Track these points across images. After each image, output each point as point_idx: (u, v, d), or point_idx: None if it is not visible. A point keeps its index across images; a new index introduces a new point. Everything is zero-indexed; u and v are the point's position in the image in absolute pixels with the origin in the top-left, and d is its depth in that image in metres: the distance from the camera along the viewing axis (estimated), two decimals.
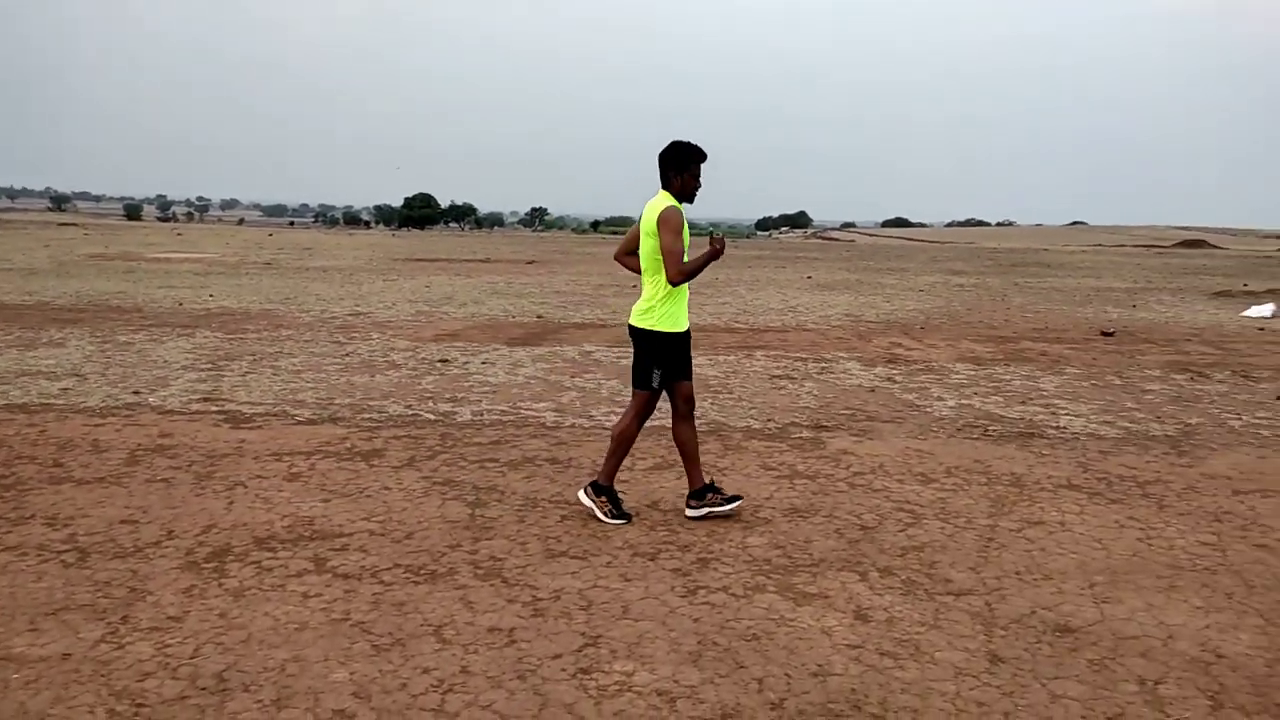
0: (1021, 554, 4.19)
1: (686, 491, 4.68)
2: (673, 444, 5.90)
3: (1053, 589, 3.83)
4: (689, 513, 4.57)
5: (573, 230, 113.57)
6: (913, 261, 31.50)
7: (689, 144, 4.44)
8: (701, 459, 5.52)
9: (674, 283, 4.39)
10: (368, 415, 6.57)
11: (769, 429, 6.48)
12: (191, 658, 3.09)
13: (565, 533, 4.34)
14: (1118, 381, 8.66)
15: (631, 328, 4.58)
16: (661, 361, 4.48)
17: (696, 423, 6.26)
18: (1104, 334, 12.15)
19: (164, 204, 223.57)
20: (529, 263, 25.79)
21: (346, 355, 9.15)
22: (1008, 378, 8.75)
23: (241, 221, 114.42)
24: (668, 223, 4.30)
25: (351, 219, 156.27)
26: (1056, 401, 7.64)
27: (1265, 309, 14.95)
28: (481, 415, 6.70)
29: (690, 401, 4.63)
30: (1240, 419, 7.12)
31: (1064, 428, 6.70)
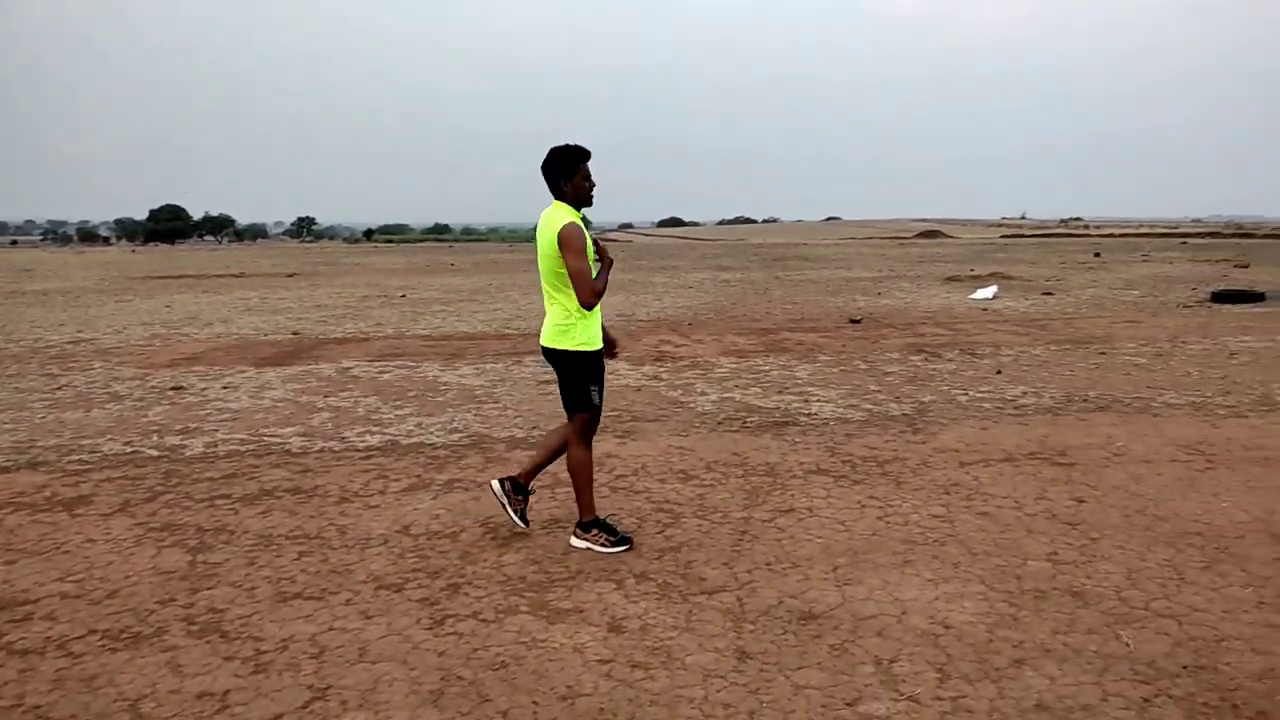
0: (772, 544, 4.26)
1: (440, 513, 4.43)
2: (430, 462, 5.64)
3: (799, 576, 3.90)
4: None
5: (344, 240, 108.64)
6: (684, 260, 32.49)
7: (568, 146, 4.08)
8: (459, 474, 5.29)
9: (588, 306, 4.05)
10: (76, 458, 5.81)
11: (533, 437, 6.32)
12: None
13: (302, 571, 3.97)
14: (863, 366, 9.20)
15: (550, 350, 4.20)
16: (596, 377, 4.19)
17: (458, 436, 6.01)
18: (852, 321, 12.94)
19: None
20: (289, 275, 24.33)
21: (58, 389, 8.12)
22: (767, 368, 9.08)
23: None
24: (569, 243, 3.94)
25: (87, 235, 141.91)
26: (809, 389, 7.99)
27: (988, 291, 16.51)
28: (216, 447, 6.10)
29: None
30: (966, 394, 7.73)
31: (815, 414, 6.99)
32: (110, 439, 6.28)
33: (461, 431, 6.47)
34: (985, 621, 3.46)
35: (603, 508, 4.77)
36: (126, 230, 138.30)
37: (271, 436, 6.36)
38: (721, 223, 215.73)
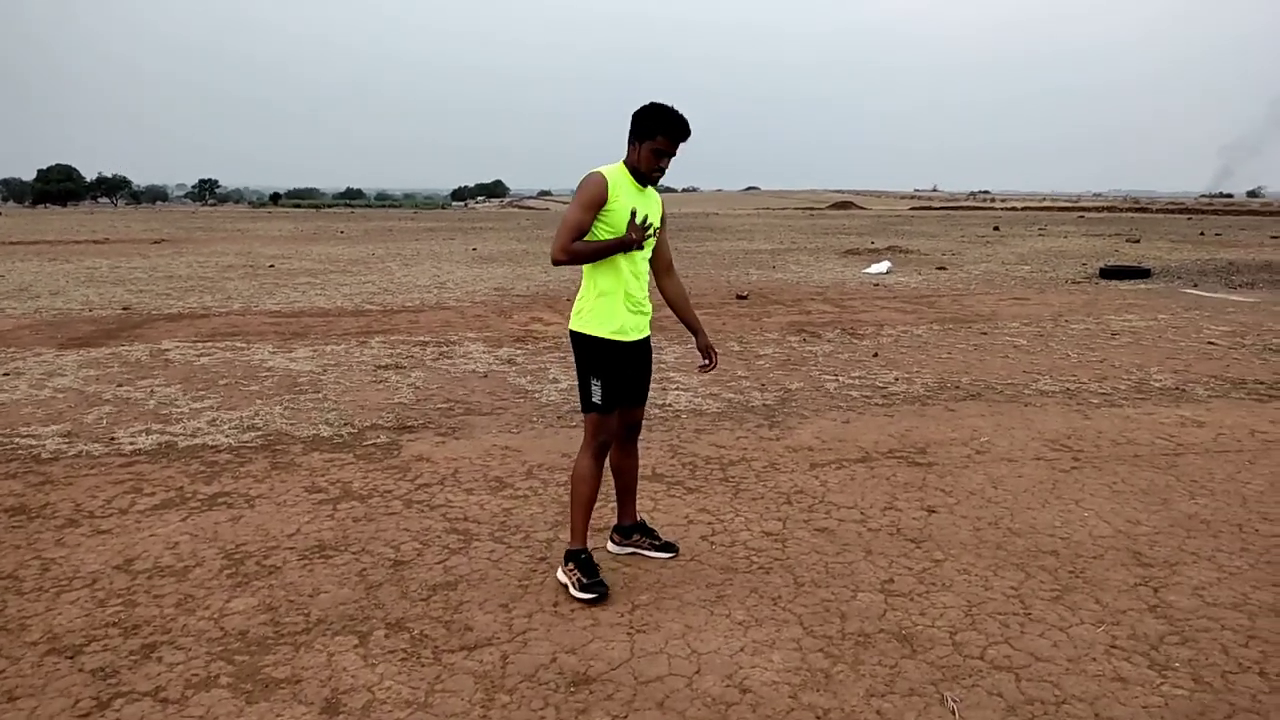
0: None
1: (182, 540, 3.63)
2: (202, 470, 4.81)
3: (587, 621, 3.25)
4: (611, 548, 3.83)
5: (249, 204, 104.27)
6: None
7: (662, 108, 3.34)
8: (231, 485, 4.51)
9: (554, 260, 3.36)
10: None
11: (341, 436, 5.54)
12: None
13: None
14: (737, 348, 8.62)
15: (570, 333, 3.56)
16: (599, 370, 3.46)
17: (251, 436, 5.22)
18: (739, 297, 12.40)
19: None
20: (156, 242, 22.70)
21: None
22: None
23: None
24: (581, 190, 3.34)
25: None
26: (672, 375, 7.36)
27: (882, 266, 16.19)
28: None
29: (634, 425, 3.76)
30: (837, 380, 7.20)
31: (669, 405, 6.36)
32: None
33: (259, 430, 5.64)
34: (791, 682, 2.86)
35: (381, 530, 4.05)
36: (14, 191, 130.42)
37: (26, 437, 5.42)
38: None
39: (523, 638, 3.13)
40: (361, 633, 3.15)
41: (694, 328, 3.78)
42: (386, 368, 7.56)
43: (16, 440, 5.36)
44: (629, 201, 3.40)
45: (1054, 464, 5.06)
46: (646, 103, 3.41)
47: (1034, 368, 7.67)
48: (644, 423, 5.56)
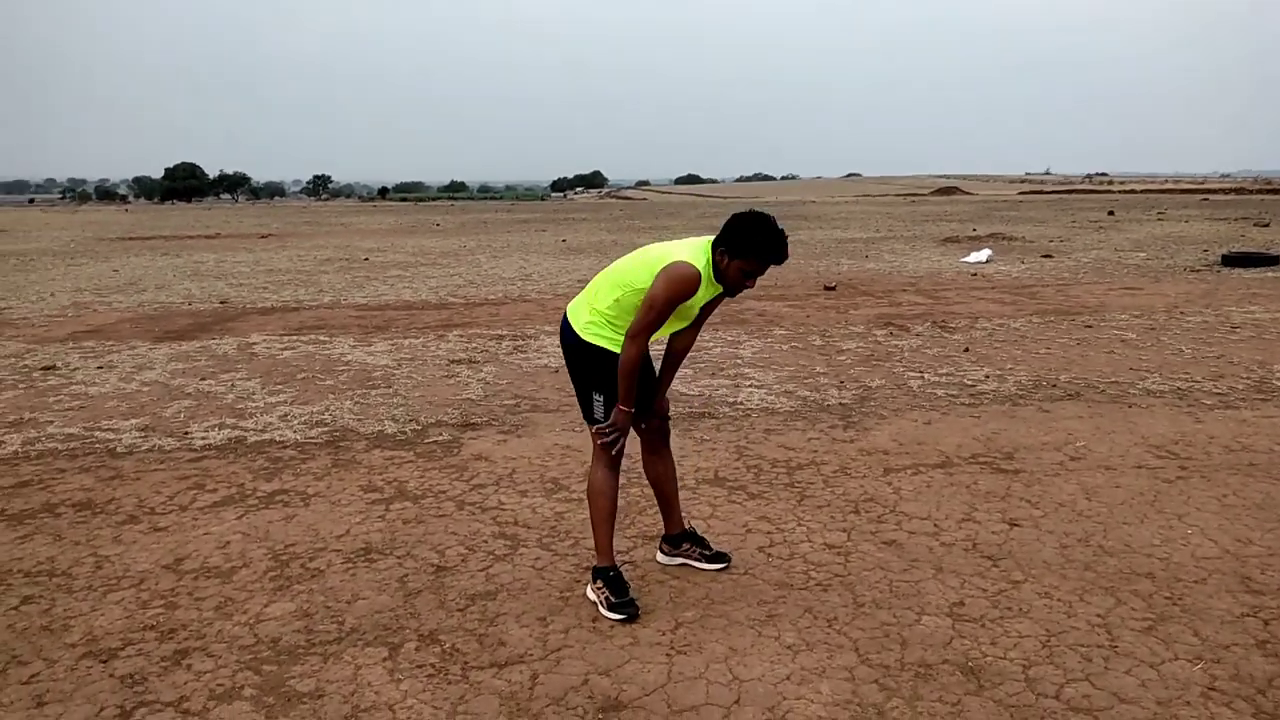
0: (636, 587, 3.42)
1: (233, 540, 3.62)
2: (266, 467, 4.82)
3: (626, 640, 3.07)
4: (660, 559, 3.65)
5: (359, 198, 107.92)
6: (681, 219, 31.46)
7: (766, 231, 3.02)
8: (291, 483, 4.51)
9: (625, 351, 3.11)
10: None
11: (404, 433, 5.50)
12: None
13: (8, 628, 3.16)
14: (819, 342, 8.30)
15: (567, 337, 3.32)
16: (603, 384, 3.23)
17: (319, 432, 5.23)
18: (826, 288, 12.01)
19: None
20: (263, 237, 23.50)
21: None
22: (711, 344, 8.20)
23: None
24: (674, 284, 3.02)
25: (106, 194, 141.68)
26: (747, 370, 7.11)
27: (981, 255, 15.48)
28: (35, 444, 5.31)
29: (660, 431, 3.54)
30: (921, 377, 6.83)
31: (740, 403, 6.12)
32: None
33: (326, 425, 5.65)
34: (838, 717, 2.62)
35: (430, 533, 3.95)
36: (145, 189, 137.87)
37: (106, 431, 5.56)
38: (740, 179, 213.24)
39: (556, 655, 2.97)
40: (393, 644, 3.05)
41: (664, 385, 3.53)
42: (459, 362, 7.53)
43: (96, 434, 5.50)
44: (703, 294, 3.18)
45: (1157, 473, 4.63)
46: (749, 213, 3.09)
47: (1142, 364, 7.12)
48: (714, 419, 5.36)
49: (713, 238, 3.16)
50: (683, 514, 3.73)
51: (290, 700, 2.72)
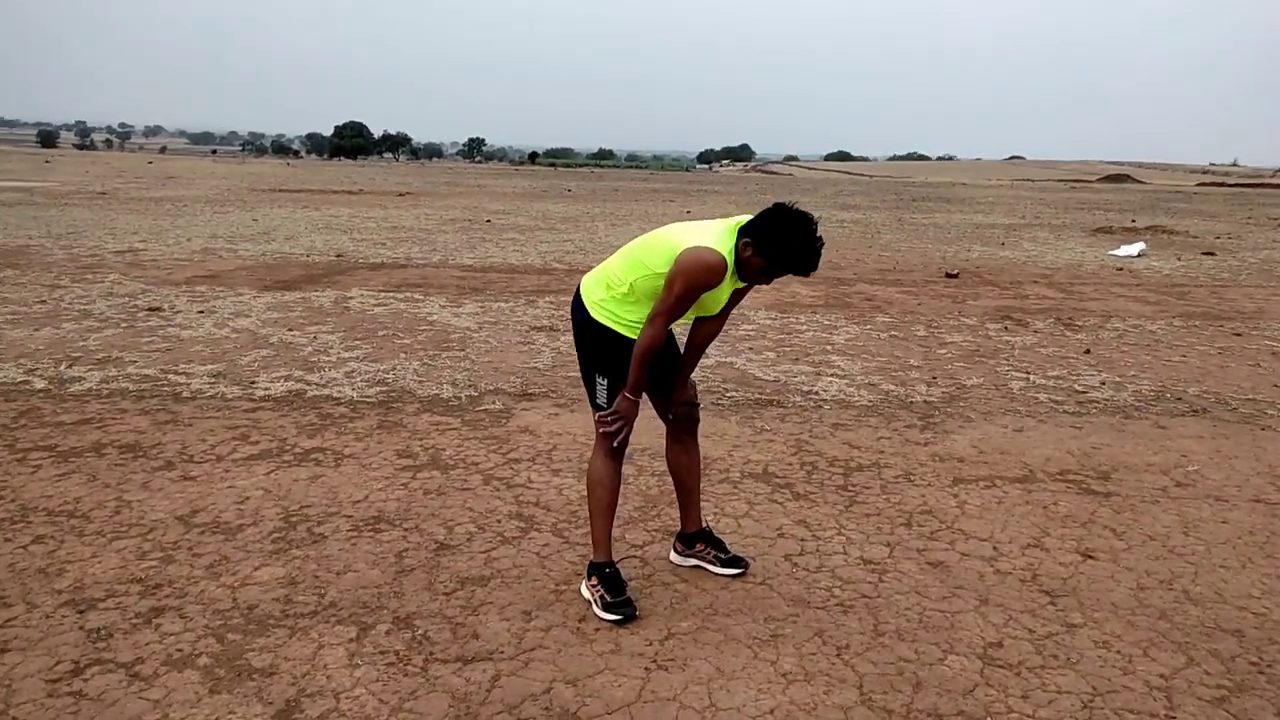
0: (638, 587, 3.16)
1: (253, 496, 3.56)
2: (313, 423, 4.79)
3: (606, 647, 2.82)
4: (674, 558, 3.37)
5: (510, 162, 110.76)
6: (816, 195, 30.54)
7: (804, 243, 2.72)
8: (331, 442, 4.46)
9: (642, 336, 2.86)
10: None
11: (459, 399, 5.38)
12: None
13: (8, 568, 3.19)
14: (922, 332, 7.74)
15: (576, 313, 3.06)
16: (609, 367, 2.99)
17: (376, 391, 5.20)
18: (948, 275, 11.28)
19: (83, 131, 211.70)
20: (400, 195, 24.17)
21: (41, 303, 7.78)
22: (803, 328, 7.77)
23: (163, 149, 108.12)
24: (695, 269, 2.73)
25: (281, 148, 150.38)
26: (834, 358, 6.67)
27: (1134, 248, 14.25)
28: (112, 381, 5.47)
29: (687, 419, 3.26)
30: (1026, 378, 6.23)
31: (814, 392, 5.72)
32: (17, 364, 5.76)
33: (386, 385, 5.61)
34: None
35: (445, 507, 3.80)
36: (316, 145, 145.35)
37: (179, 375, 5.68)
38: (893, 158, 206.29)
39: (528, 656, 2.75)
40: (365, 624, 2.89)
41: (686, 373, 3.21)
42: (540, 329, 7.39)
43: (170, 377, 5.62)
44: (728, 285, 2.89)
45: (1276, 510, 4.00)
46: (790, 211, 2.75)
47: None
48: (781, 408, 5.00)
49: (741, 220, 2.83)
50: (702, 512, 3.44)
51: (240, 675, 2.61)
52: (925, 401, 5.60)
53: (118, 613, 2.91)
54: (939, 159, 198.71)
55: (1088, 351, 7.13)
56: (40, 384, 5.38)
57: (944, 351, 7.02)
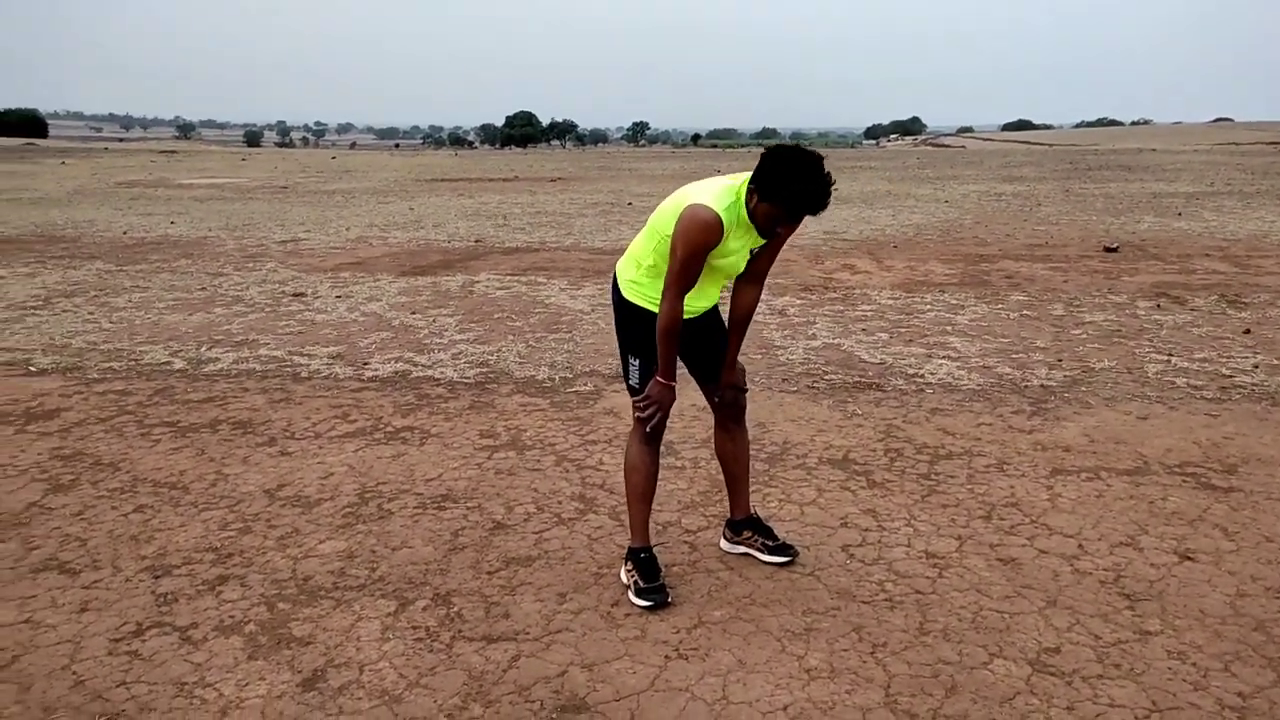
0: (680, 573, 3.13)
1: (338, 472, 3.76)
2: (411, 403, 4.96)
3: (632, 633, 2.79)
4: (724, 545, 3.32)
5: (674, 145, 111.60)
6: (980, 168, 29.00)
7: (809, 180, 2.55)
8: (423, 421, 4.64)
9: (660, 312, 2.80)
10: (108, 365, 5.83)
11: (553, 380, 5.46)
12: None
13: (108, 534, 3.49)
14: (1059, 311, 7.22)
15: (614, 293, 3.05)
16: (639, 348, 2.94)
17: (476, 372, 5.33)
18: (1107, 249, 10.45)
19: (283, 130, 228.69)
20: (552, 181, 24.72)
21: (202, 289, 8.45)
22: (926, 308, 7.41)
23: (353, 145, 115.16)
24: (691, 234, 2.65)
25: (457, 140, 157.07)
26: (952, 339, 6.33)
27: None
28: (243, 362, 5.88)
29: (733, 405, 3.18)
30: (1167, 361, 5.70)
31: (921, 375, 5.45)
32: (165, 346, 6.29)
33: (488, 366, 5.76)
34: None
35: (511, 485, 3.87)
36: (489, 135, 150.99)
37: (303, 356, 6.04)
38: (1081, 125, 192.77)
39: (551, 638, 2.76)
40: (405, 599, 2.99)
41: (730, 357, 3.08)
42: None
43: (295, 359, 5.99)
44: (740, 243, 2.79)
45: None
46: (790, 149, 2.61)
47: None
48: (881, 391, 4.82)
49: (740, 191, 2.72)
50: (752, 499, 3.35)
51: (280, 643, 2.75)
52: (1042, 386, 5.23)
53: (187, 579, 3.13)
54: (1133, 124, 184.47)
55: (1248, 331, 6.44)
56: (180, 364, 5.85)
57: (1078, 332, 6.52)
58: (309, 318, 7.27)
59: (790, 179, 2.57)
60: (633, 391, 3.01)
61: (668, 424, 3.11)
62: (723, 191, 2.71)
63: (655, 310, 2.90)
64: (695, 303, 2.92)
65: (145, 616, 2.89)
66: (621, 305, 3.01)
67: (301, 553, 3.32)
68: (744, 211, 2.71)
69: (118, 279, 9.02)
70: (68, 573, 3.16)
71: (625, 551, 3.14)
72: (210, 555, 3.30)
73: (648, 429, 2.99)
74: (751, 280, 2.99)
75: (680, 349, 2.95)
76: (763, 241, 2.82)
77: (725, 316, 3.12)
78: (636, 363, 2.97)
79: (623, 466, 3.14)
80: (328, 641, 2.75)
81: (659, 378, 2.89)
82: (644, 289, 2.95)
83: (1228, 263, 9.56)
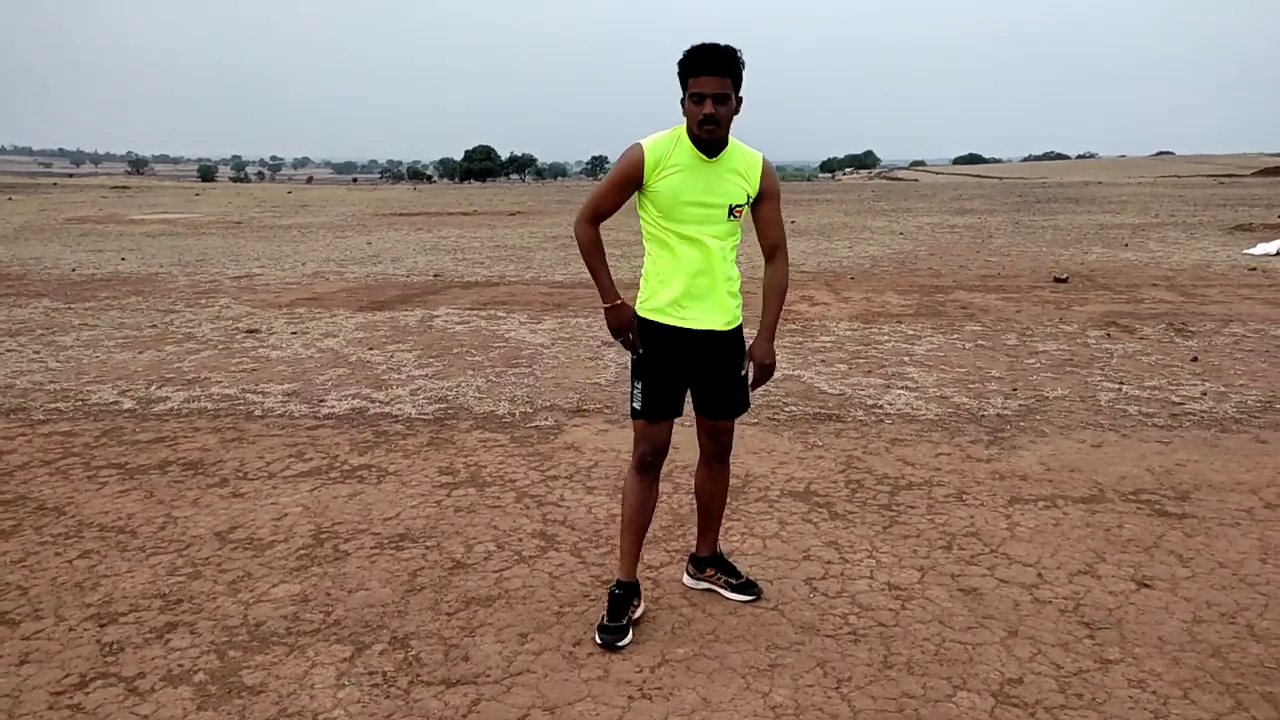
0: (643, 610, 3.09)
1: (292, 513, 3.67)
2: (368, 441, 4.90)
3: (594, 672, 2.74)
4: (686, 580, 3.29)
5: None
6: (932, 201, 29.57)
7: (692, 47, 2.70)
8: (380, 459, 4.56)
9: (576, 232, 2.98)
10: (54, 406, 5.67)
11: (513, 415, 5.42)
12: None
13: (51, 581, 3.37)
14: (1013, 341, 7.34)
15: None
16: (641, 370, 2.95)
17: (435, 409, 5.25)
18: (1057, 280, 10.68)
19: (239, 164, 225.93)
20: (511, 215, 24.75)
21: (152, 326, 8.28)
22: (884, 339, 7.49)
23: (310, 180, 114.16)
24: (617, 164, 2.86)
25: (416, 174, 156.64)
26: (910, 370, 6.39)
27: (1272, 246, 13.17)
28: (194, 401, 5.75)
29: (718, 438, 3.11)
30: (1119, 389, 5.80)
31: (879, 406, 5.48)
32: (114, 386, 6.14)
33: (446, 402, 5.70)
34: None
35: (469, 524, 3.80)
36: (447, 170, 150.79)
37: (257, 394, 5.93)
38: (1029, 159, 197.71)
39: (512, 680, 2.71)
40: (361, 644, 2.91)
41: (762, 326, 3.06)
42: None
43: (247, 396, 5.88)
44: (683, 182, 2.79)
45: None
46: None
47: None
48: (840, 422, 4.83)
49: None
50: (727, 533, 3.35)
51: (230, 693, 2.66)
52: (998, 415, 5.29)
53: (134, 627, 3.02)
54: (1078, 157, 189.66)
55: (1195, 359, 6.60)
56: (129, 404, 5.71)
57: (1032, 361, 6.62)
58: (263, 354, 7.15)
59: (685, 55, 2.70)
60: (634, 414, 2.99)
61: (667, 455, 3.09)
62: (658, 135, 2.84)
63: (654, 319, 2.92)
64: (691, 305, 2.89)
65: (89, 667, 2.78)
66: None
67: (253, 597, 3.23)
68: (683, 134, 2.79)
69: (65, 317, 8.82)
70: (7, 623, 3.04)
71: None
72: (158, 602, 3.19)
73: (633, 356, 2.97)
74: (768, 256, 3.04)
75: (686, 373, 2.95)
76: (739, 201, 2.82)
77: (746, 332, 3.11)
78: (639, 386, 2.96)
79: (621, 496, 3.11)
80: (280, 690, 2.67)
81: (603, 304, 2.93)
82: (642, 295, 2.97)
83: (1174, 292, 9.81)
